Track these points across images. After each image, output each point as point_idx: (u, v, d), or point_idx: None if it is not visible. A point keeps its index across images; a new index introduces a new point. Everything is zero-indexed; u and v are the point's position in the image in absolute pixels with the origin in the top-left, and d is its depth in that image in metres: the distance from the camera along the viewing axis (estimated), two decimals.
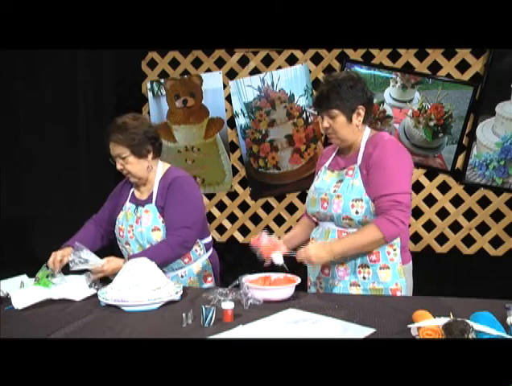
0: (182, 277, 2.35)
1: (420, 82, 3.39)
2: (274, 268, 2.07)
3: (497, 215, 3.39)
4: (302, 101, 3.60)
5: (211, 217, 3.81)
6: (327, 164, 2.24)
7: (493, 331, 1.41)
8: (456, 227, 3.46)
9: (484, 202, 3.41)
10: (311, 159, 3.61)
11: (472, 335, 1.39)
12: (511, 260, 3.37)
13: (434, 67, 3.39)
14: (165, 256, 2.21)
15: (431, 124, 3.39)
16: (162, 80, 3.83)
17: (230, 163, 3.80)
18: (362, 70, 3.43)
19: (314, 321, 1.65)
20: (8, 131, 3.70)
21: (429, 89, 3.38)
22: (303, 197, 3.34)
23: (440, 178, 3.45)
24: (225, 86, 3.74)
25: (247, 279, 1.99)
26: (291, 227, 2.40)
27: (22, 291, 2.08)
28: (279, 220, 3.74)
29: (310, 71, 3.57)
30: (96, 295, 2.00)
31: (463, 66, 3.35)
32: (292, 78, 3.60)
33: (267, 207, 3.77)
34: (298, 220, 2.47)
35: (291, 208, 3.71)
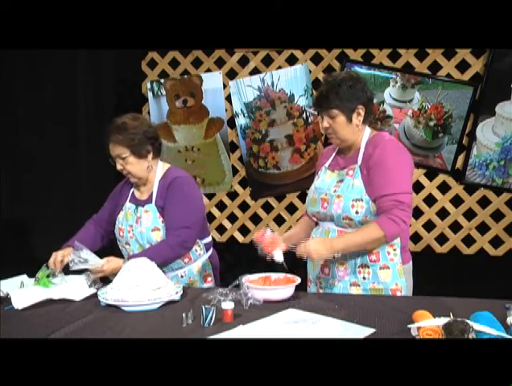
0: (182, 277, 2.35)
1: (420, 82, 3.39)
2: (274, 265, 2.06)
3: (497, 215, 3.40)
4: (302, 101, 3.60)
5: (211, 217, 3.81)
6: (327, 164, 2.24)
7: (493, 331, 1.40)
8: (456, 227, 3.46)
9: (484, 202, 3.41)
10: (311, 159, 3.61)
11: (472, 335, 1.39)
12: (511, 260, 3.38)
13: (434, 67, 3.39)
14: (165, 256, 2.21)
15: (431, 124, 3.40)
16: (162, 80, 3.83)
17: (230, 163, 3.80)
18: (362, 70, 3.43)
19: (314, 321, 1.65)
20: (8, 131, 3.71)
21: (429, 89, 3.38)
22: (303, 197, 3.34)
23: (440, 178, 3.45)
24: (225, 86, 3.74)
25: (247, 279, 1.99)
26: (291, 227, 2.41)
27: (22, 291, 2.08)
28: (279, 220, 3.74)
29: (310, 71, 3.57)
30: (96, 295, 2.00)
31: (463, 66, 3.35)
32: (292, 78, 3.60)
33: (267, 207, 3.77)
34: (298, 220, 2.47)
35: (291, 208, 3.71)
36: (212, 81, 3.75)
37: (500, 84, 3.26)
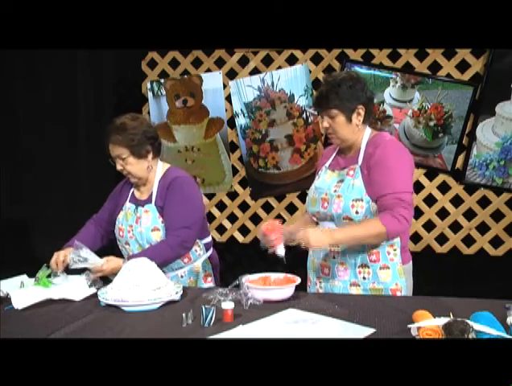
0: (182, 277, 2.35)
1: (420, 82, 3.39)
2: (274, 263, 2.05)
3: (497, 215, 3.40)
4: (302, 101, 3.60)
5: (211, 217, 3.81)
6: (327, 164, 2.24)
7: (493, 331, 1.40)
8: (456, 227, 3.46)
9: (484, 202, 3.41)
10: (311, 159, 3.61)
11: (472, 335, 1.39)
12: (511, 260, 3.38)
13: (434, 67, 3.39)
14: (165, 256, 2.21)
15: (431, 124, 3.40)
16: (162, 80, 3.83)
17: (230, 163, 3.80)
18: (362, 70, 3.43)
19: (314, 321, 1.65)
20: (8, 131, 3.71)
21: (429, 89, 3.38)
22: (303, 197, 3.34)
23: (440, 178, 3.46)
24: (224, 86, 3.74)
25: (247, 279, 1.99)
26: None
27: (22, 291, 2.08)
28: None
29: (310, 71, 3.57)
30: (96, 295, 2.00)
31: (463, 66, 3.35)
32: (292, 78, 3.60)
33: (267, 207, 3.77)
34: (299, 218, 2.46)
35: (291, 208, 3.71)
36: (212, 81, 3.75)
37: (500, 84, 3.26)
